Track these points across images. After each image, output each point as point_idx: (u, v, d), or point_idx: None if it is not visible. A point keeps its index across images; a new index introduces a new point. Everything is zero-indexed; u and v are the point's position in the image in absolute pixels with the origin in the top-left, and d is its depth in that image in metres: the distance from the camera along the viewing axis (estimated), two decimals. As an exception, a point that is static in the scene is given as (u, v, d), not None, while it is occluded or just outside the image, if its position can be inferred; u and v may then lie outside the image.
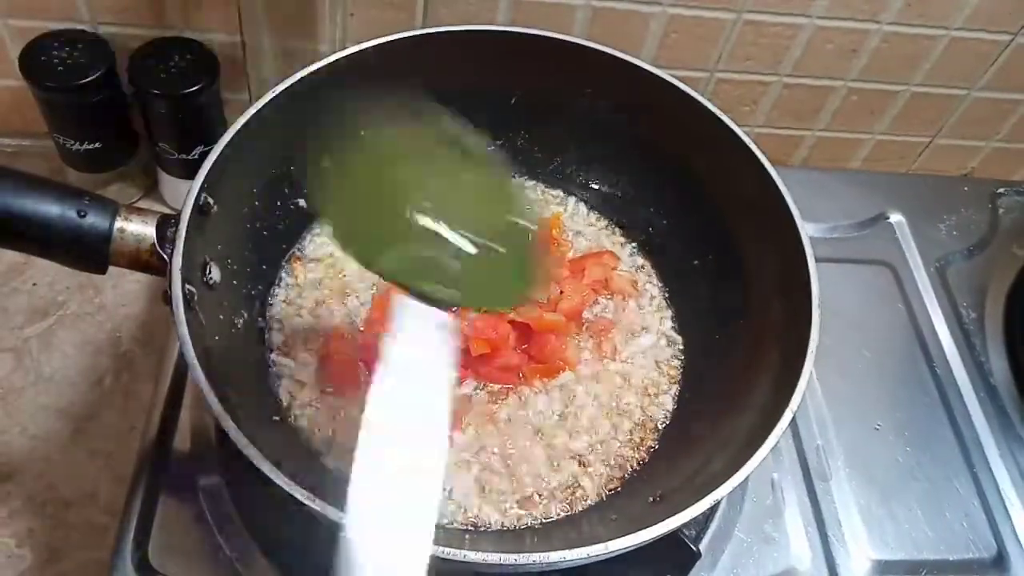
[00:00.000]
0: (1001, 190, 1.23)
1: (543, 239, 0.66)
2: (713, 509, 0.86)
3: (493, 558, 0.61)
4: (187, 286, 0.66)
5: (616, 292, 0.92)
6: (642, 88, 0.88)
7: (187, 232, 0.67)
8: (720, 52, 1.07)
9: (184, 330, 0.64)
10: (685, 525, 0.63)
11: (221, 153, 0.73)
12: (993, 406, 1.00)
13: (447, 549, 0.59)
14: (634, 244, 0.97)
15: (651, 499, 0.75)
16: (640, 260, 0.96)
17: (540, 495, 0.78)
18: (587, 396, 0.85)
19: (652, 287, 0.94)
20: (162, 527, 0.78)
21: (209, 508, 0.79)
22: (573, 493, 0.79)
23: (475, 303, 0.55)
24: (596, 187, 0.99)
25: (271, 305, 0.86)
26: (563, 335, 0.85)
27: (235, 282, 0.79)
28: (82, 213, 0.65)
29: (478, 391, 0.83)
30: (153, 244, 0.67)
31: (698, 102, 0.85)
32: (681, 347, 0.90)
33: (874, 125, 1.21)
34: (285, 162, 0.86)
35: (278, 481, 0.60)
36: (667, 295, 0.94)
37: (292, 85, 0.79)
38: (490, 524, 0.76)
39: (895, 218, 1.16)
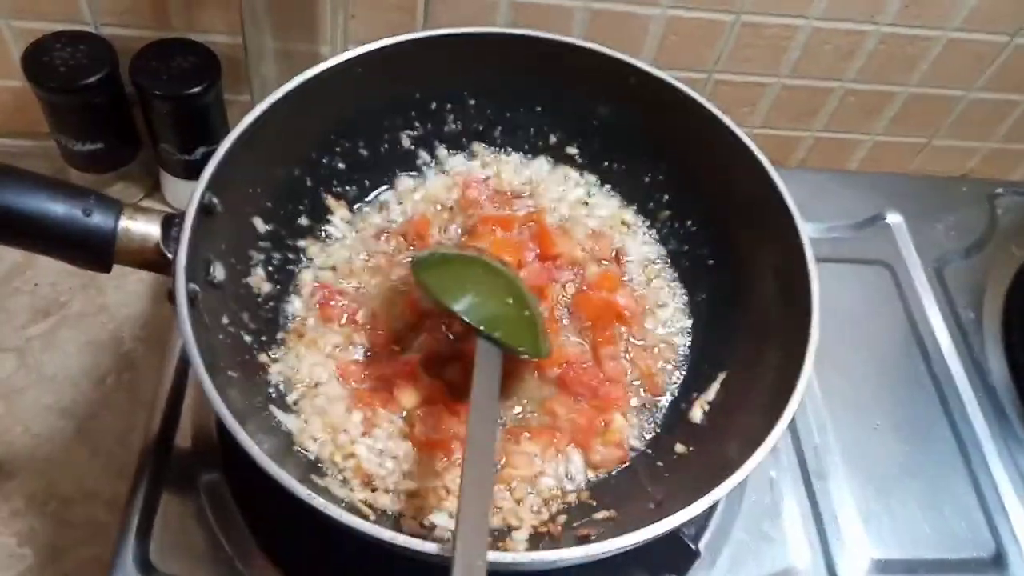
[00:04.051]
0: (999, 190, 1.23)
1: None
2: (712, 508, 0.86)
3: (492, 557, 0.61)
4: (191, 285, 0.67)
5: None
6: (641, 89, 0.88)
7: (191, 231, 0.68)
8: (719, 53, 1.07)
9: (187, 328, 0.64)
10: (684, 524, 0.63)
11: (226, 153, 0.73)
12: (991, 405, 1.01)
13: (445, 547, 0.59)
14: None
15: (651, 505, 0.75)
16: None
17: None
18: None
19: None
20: (163, 525, 0.78)
21: (210, 506, 0.79)
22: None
23: (494, 330, 0.74)
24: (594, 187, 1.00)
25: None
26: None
27: (238, 281, 0.79)
28: (87, 212, 0.65)
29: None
30: (157, 243, 0.68)
31: (698, 103, 0.86)
32: (680, 347, 0.90)
33: (872, 126, 1.21)
34: (289, 163, 0.86)
35: (279, 479, 0.61)
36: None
37: (296, 87, 0.79)
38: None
39: (893, 218, 1.16)
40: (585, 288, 0.89)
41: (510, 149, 0.99)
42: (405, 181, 0.96)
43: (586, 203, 0.98)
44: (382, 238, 0.92)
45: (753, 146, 0.83)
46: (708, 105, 0.85)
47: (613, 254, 0.94)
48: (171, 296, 0.66)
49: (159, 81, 0.92)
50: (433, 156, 0.97)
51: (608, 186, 0.99)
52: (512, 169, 0.98)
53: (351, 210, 0.93)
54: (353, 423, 0.78)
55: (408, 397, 0.80)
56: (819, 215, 1.13)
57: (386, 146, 0.94)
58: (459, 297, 0.76)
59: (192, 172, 0.99)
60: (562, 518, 0.76)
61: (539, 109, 0.95)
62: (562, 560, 0.61)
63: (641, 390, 0.86)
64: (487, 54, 0.90)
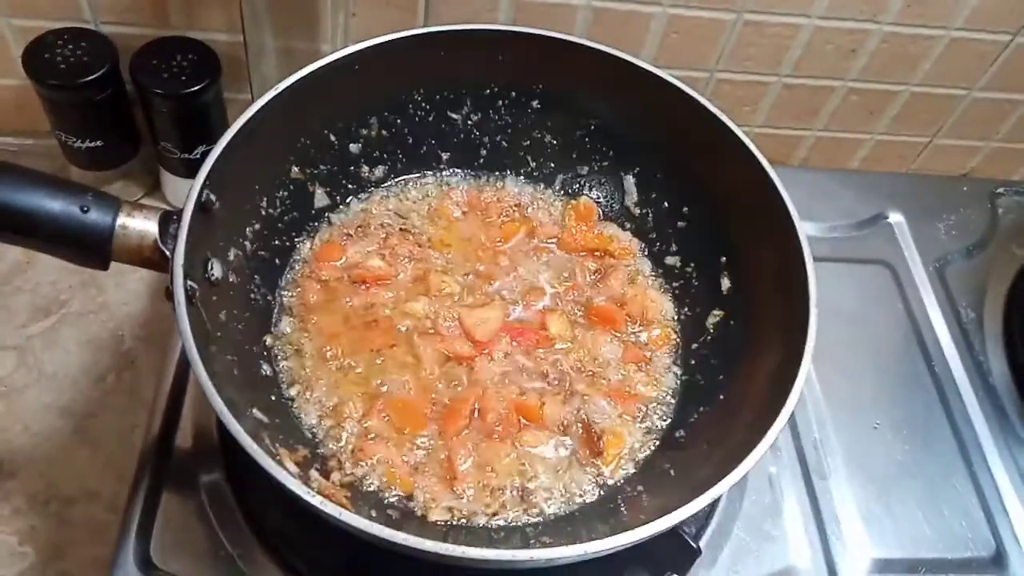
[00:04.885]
0: (1000, 190, 1.23)
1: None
2: (713, 506, 0.86)
3: (492, 555, 0.61)
4: (189, 282, 0.67)
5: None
6: (642, 88, 0.88)
7: (189, 229, 0.68)
8: (720, 52, 1.07)
9: (186, 326, 0.64)
10: (684, 522, 0.63)
11: (223, 150, 0.73)
12: (992, 405, 1.01)
13: (445, 545, 0.59)
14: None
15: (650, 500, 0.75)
16: (640, 260, 0.96)
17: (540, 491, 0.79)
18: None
19: (652, 284, 0.95)
20: (164, 524, 0.78)
21: (211, 505, 0.79)
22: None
23: None
24: (595, 188, 0.99)
25: (272, 300, 0.86)
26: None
27: (237, 278, 0.79)
28: (85, 209, 0.65)
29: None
30: (155, 240, 0.68)
31: (698, 102, 0.86)
32: (681, 345, 0.90)
33: (874, 125, 1.21)
34: (287, 160, 0.86)
35: (279, 477, 0.60)
36: (665, 293, 0.94)
37: (293, 84, 0.79)
38: (489, 521, 0.76)
39: (894, 218, 1.16)
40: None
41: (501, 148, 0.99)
42: (404, 185, 0.97)
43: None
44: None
45: (752, 146, 0.83)
46: (708, 104, 0.85)
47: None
48: (169, 294, 0.66)
49: (159, 79, 0.92)
50: (437, 165, 0.98)
51: (598, 186, 0.99)
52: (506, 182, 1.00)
53: (347, 208, 0.94)
54: (353, 418, 0.79)
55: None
56: (820, 214, 1.13)
57: (388, 146, 0.94)
58: None
59: (192, 170, 0.97)
60: None
61: (536, 104, 0.95)
62: (561, 557, 0.61)
63: (640, 386, 0.86)
64: (487, 52, 0.89)
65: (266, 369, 0.81)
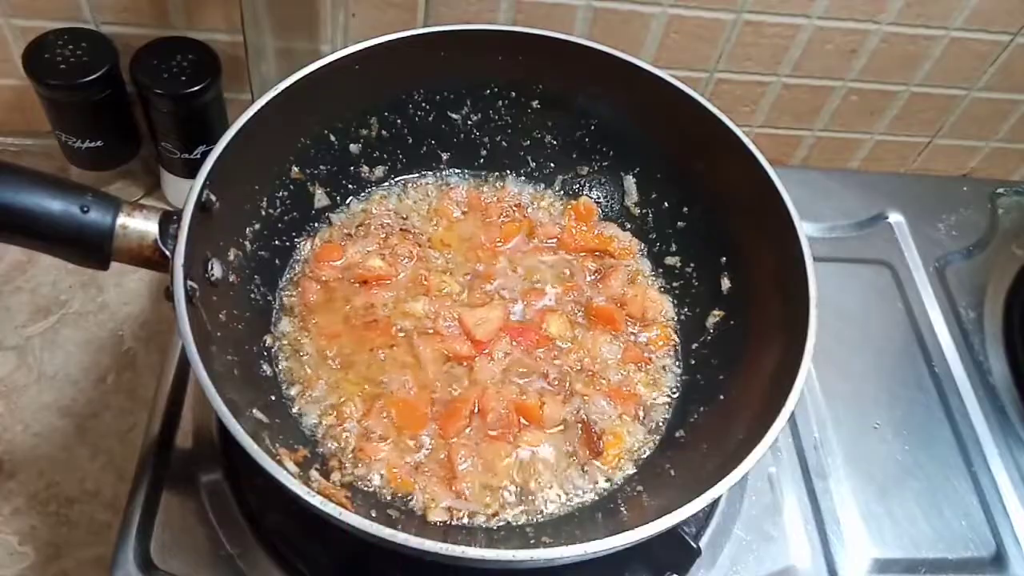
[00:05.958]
0: (1000, 190, 1.23)
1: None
2: (713, 506, 0.86)
3: (491, 555, 0.61)
4: (189, 282, 0.67)
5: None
6: (642, 88, 0.88)
7: (189, 229, 0.68)
8: (720, 52, 1.07)
9: (186, 326, 0.64)
10: (684, 522, 0.63)
11: (223, 151, 0.73)
12: (992, 405, 1.01)
13: (445, 545, 0.59)
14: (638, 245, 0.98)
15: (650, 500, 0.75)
16: (640, 260, 0.97)
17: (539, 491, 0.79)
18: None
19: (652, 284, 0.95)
20: (164, 524, 0.78)
21: (211, 505, 0.79)
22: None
23: None
24: (595, 188, 0.99)
25: (272, 300, 0.86)
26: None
27: (237, 278, 0.79)
28: (85, 209, 0.65)
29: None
30: (155, 240, 0.68)
31: (697, 102, 0.86)
32: (681, 345, 0.90)
33: (873, 125, 1.21)
34: (287, 160, 0.86)
35: (280, 478, 0.61)
36: (665, 293, 0.94)
37: (293, 84, 0.79)
38: (489, 521, 0.76)
39: (894, 218, 1.16)
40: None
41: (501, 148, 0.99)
42: (404, 185, 0.97)
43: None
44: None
45: (752, 146, 0.83)
46: (708, 104, 0.85)
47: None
48: (169, 294, 0.66)
49: (159, 79, 0.92)
50: (437, 165, 0.98)
51: (598, 186, 0.99)
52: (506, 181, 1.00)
53: (347, 208, 0.94)
54: (353, 418, 0.79)
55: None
56: (820, 214, 1.13)
57: (388, 146, 0.94)
58: None
59: (193, 171, 0.97)
60: None
61: (536, 104, 0.95)
62: (563, 557, 0.61)
63: (640, 386, 0.86)
64: (487, 52, 0.89)
65: (266, 369, 0.81)
